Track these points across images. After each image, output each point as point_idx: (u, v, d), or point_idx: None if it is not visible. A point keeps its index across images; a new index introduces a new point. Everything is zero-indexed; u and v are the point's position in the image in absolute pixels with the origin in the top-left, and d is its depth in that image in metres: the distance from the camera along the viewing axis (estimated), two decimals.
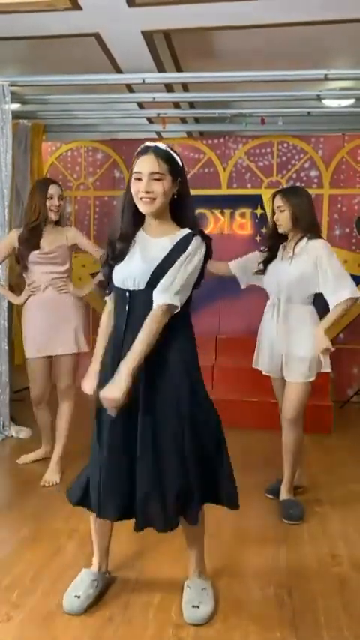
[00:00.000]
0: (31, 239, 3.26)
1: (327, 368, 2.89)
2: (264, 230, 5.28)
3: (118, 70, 4.54)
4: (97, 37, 3.98)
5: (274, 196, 2.96)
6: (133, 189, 1.93)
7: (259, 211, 5.37)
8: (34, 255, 3.26)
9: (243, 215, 5.41)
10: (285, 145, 5.35)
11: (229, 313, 5.35)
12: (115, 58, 4.34)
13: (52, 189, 3.25)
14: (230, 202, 5.41)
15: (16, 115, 4.56)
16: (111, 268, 2.00)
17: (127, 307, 1.94)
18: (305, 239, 2.86)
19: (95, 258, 3.38)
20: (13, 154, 4.20)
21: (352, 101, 4.85)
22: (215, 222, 5.43)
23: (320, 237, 2.89)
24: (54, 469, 3.32)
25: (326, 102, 4.87)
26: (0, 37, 3.99)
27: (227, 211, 5.42)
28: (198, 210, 5.40)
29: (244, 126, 4.97)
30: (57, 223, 3.34)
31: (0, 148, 4.09)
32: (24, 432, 4.10)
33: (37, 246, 3.25)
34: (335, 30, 3.83)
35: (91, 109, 4.97)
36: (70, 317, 3.33)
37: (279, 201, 2.89)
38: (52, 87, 4.47)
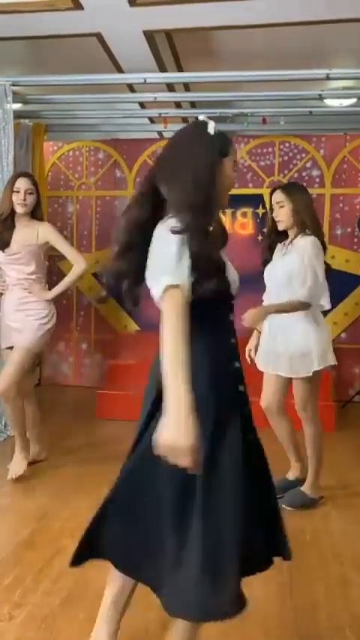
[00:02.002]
0: (2, 233, 3.23)
1: (330, 362, 2.87)
2: (265, 230, 5.28)
3: (120, 70, 4.54)
4: (98, 36, 3.98)
5: (272, 192, 2.93)
6: (231, 178, 1.60)
7: (260, 211, 5.37)
8: (1, 256, 3.27)
9: (244, 215, 5.41)
10: (286, 144, 5.35)
11: None
12: (116, 57, 4.33)
13: (19, 183, 3.20)
14: (231, 202, 5.30)
15: (18, 115, 4.57)
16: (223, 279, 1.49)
17: (232, 318, 1.57)
18: (300, 236, 2.84)
19: (74, 261, 3.27)
20: (14, 153, 4.20)
21: (353, 100, 4.84)
22: None
23: (315, 235, 2.83)
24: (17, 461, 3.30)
25: (328, 101, 4.86)
26: (1, 37, 3.99)
27: (228, 211, 5.42)
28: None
29: (245, 125, 4.97)
30: (33, 217, 3.29)
31: (2, 147, 4.09)
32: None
33: (7, 244, 3.23)
34: (337, 29, 3.82)
35: (93, 108, 4.97)
36: (32, 317, 3.26)
37: (279, 197, 2.86)
38: (54, 87, 4.47)
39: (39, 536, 2.64)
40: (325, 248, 2.90)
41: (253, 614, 2.05)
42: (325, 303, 2.81)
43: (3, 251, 3.26)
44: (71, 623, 1.99)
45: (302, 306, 2.75)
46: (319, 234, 2.86)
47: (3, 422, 4.14)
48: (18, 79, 4.23)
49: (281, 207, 2.85)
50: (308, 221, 2.84)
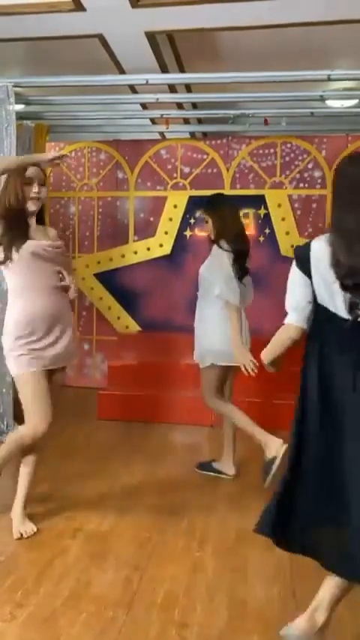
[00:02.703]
0: (20, 227, 2.50)
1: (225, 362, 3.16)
2: (267, 230, 5.30)
3: (122, 71, 4.55)
4: (100, 38, 3.99)
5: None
6: None
7: (262, 212, 5.36)
8: (37, 246, 2.50)
9: (246, 215, 5.40)
10: (288, 145, 5.35)
11: None
12: (118, 58, 4.35)
13: (31, 171, 2.48)
14: (233, 203, 5.41)
15: (20, 116, 4.58)
16: None
17: None
18: (215, 246, 3.17)
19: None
20: (16, 154, 4.20)
21: (355, 101, 4.86)
22: None
23: (231, 242, 3.13)
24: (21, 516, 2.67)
25: (329, 102, 4.88)
26: (4, 39, 4.00)
27: None
28: (201, 211, 5.40)
29: (247, 126, 4.98)
30: (38, 221, 2.62)
31: (4, 148, 4.10)
32: None
33: (27, 236, 2.51)
34: (338, 30, 3.82)
35: (95, 109, 4.98)
36: (69, 325, 2.68)
37: (203, 213, 3.28)
38: (56, 88, 4.48)
39: (40, 536, 2.64)
40: (239, 251, 3.13)
41: (255, 614, 2.05)
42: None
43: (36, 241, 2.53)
44: (73, 623, 1.99)
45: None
46: (231, 241, 3.12)
47: (5, 422, 4.14)
48: (20, 80, 4.24)
49: (206, 222, 3.25)
50: (224, 232, 3.15)
